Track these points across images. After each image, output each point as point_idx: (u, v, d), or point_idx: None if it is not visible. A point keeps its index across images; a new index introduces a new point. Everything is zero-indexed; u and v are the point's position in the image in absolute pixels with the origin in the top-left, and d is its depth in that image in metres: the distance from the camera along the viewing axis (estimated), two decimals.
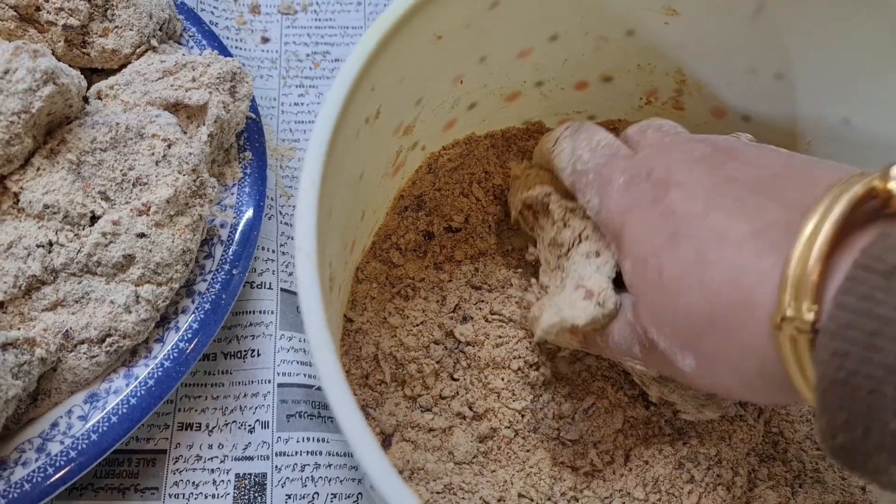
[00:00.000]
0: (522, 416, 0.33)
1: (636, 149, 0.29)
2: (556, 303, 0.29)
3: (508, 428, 0.32)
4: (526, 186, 0.34)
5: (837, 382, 0.17)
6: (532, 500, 0.31)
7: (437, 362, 0.33)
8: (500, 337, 0.34)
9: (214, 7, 0.47)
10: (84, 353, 0.31)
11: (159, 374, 0.31)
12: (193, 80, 0.36)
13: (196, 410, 0.35)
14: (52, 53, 0.35)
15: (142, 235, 0.32)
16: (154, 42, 0.38)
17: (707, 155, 0.26)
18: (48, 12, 0.36)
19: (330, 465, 0.34)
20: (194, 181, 0.33)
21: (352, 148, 0.27)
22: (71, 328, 0.31)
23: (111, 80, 0.37)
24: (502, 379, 0.33)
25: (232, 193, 0.37)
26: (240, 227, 0.36)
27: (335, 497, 0.34)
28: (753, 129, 0.37)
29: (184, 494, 0.33)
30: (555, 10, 0.33)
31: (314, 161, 0.23)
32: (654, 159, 0.27)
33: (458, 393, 0.33)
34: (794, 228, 0.20)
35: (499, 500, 0.30)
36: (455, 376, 0.33)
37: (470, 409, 0.32)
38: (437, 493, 0.30)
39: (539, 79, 0.37)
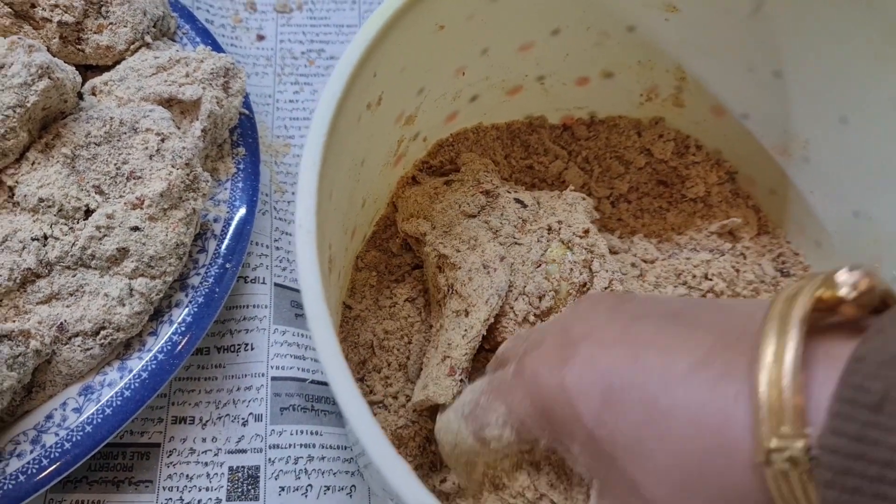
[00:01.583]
0: None
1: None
2: (427, 373, 0.30)
3: None
4: (406, 213, 0.34)
5: None
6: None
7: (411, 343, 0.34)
8: None
9: (210, 5, 0.48)
10: (78, 346, 0.31)
11: (153, 366, 0.32)
12: (187, 75, 0.36)
13: (189, 404, 0.35)
14: (47, 50, 0.35)
15: (136, 229, 0.32)
16: (148, 39, 0.38)
17: (595, 306, 0.23)
18: (43, 9, 0.36)
19: (323, 458, 0.34)
20: (188, 175, 0.33)
21: (353, 132, 0.27)
22: (65, 321, 0.31)
23: (105, 76, 0.37)
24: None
25: (225, 189, 0.37)
26: (233, 222, 0.36)
27: (328, 489, 0.34)
28: (752, 127, 0.37)
29: (178, 487, 0.33)
30: (557, 4, 0.33)
31: (316, 141, 0.24)
32: (536, 335, 0.24)
33: None
34: (741, 351, 0.18)
35: None
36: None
37: None
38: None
39: (540, 73, 0.37)
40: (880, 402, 0.15)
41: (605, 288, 0.32)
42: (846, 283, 0.18)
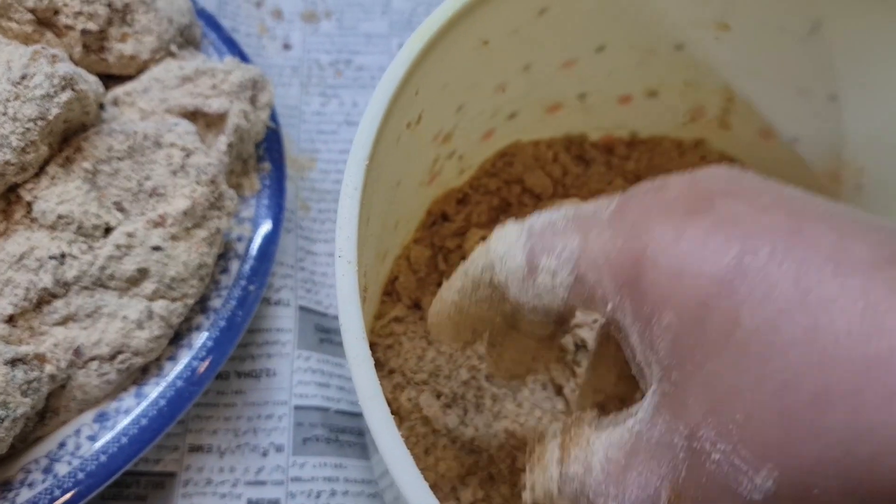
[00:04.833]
0: None
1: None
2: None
3: None
4: None
5: None
6: None
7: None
8: None
9: (235, 14, 0.46)
10: (94, 371, 0.30)
11: (171, 393, 0.30)
12: (213, 87, 0.35)
13: (207, 432, 0.34)
14: (70, 58, 0.34)
15: (157, 248, 0.31)
16: (173, 48, 0.37)
17: (741, 193, 0.18)
18: (66, 16, 0.35)
19: (347, 493, 0.33)
20: (212, 192, 0.32)
21: (392, 154, 0.26)
22: (82, 344, 0.30)
23: (128, 86, 0.35)
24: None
25: (250, 206, 0.36)
26: (257, 242, 0.35)
27: None
28: (802, 151, 0.35)
29: None
30: (604, 21, 0.32)
31: (357, 165, 0.22)
32: (657, 181, 0.19)
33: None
34: None
35: None
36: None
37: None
38: None
39: (582, 90, 0.35)
40: None
41: None
42: None
